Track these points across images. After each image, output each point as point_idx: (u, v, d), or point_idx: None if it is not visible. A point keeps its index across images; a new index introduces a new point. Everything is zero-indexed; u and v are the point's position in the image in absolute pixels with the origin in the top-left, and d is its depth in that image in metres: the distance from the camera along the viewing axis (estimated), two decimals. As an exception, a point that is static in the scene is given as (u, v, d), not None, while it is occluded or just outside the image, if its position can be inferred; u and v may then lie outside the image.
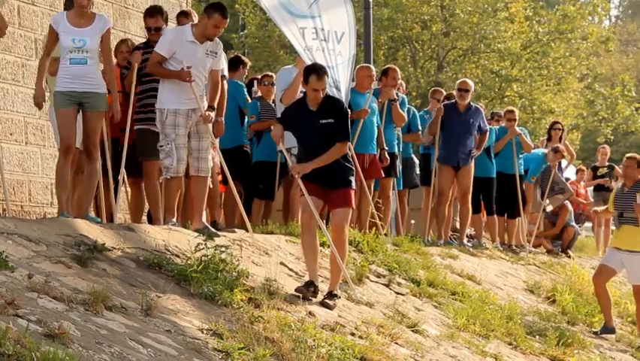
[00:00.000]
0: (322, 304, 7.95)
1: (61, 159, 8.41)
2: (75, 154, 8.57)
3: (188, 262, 7.40)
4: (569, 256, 15.67)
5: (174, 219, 8.84)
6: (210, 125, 8.83)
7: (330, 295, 8.07)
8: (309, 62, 10.55)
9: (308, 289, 7.98)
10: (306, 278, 8.30)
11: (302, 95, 8.40)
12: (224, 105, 9.21)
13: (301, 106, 8.16)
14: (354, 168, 8.39)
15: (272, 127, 8.45)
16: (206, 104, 8.79)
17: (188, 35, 8.69)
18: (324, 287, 8.35)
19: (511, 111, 14.78)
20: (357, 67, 11.82)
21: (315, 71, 7.96)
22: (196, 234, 8.39)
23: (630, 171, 11.20)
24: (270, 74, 11.96)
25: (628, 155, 11.47)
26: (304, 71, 8.16)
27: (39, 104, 8.56)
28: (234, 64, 11.26)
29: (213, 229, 8.66)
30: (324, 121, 7.99)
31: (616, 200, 11.31)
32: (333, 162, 7.99)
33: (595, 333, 11.13)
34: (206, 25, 8.66)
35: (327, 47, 10.88)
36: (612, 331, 11.29)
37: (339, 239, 8.19)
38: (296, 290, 7.92)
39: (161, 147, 8.68)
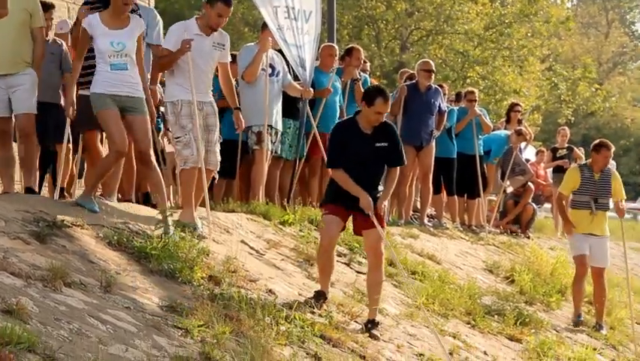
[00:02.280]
0: (371, 336, 7.66)
1: (113, 159, 8.04)
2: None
3: (149, 239, 7.38)
4: (529, 237, 15.81)
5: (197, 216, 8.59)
6: (217, 119, 8.68)
7: (373, 323, 7.80)
8: (280, 42, 10.61)
9: (318, 300, 7.76)
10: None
11: (353, 115, 8.01)
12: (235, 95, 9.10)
13: (353, 127, 7.85)
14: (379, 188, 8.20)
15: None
16: (211, 98, 8.66)
17: (194, 28, 8.52)
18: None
19: (472, 92, 14.86)
20: (321, 46, 11.82)
21: (381, 94, 7.68)
22: (156, 211, 8.37)
23: (607, 160, 11.08)
24: (235, 52, 11.90)
25: (601, 143, 11.03)
26: (367, 93, 7.84)
27: (70, 114, 8.21)
28: None
29: (197, 223, 8.38)
30: (379, 145, 7.78)
31: (587, 186, 10.96)
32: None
33: (576, 324, 11.09)
34: (210, 16, 8.49)
35: (296, 25, 10.88)
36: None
37: (378, 263, 7.92)
38: (306, 302, 7.66)
39: (177, 138, 8.48)
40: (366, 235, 7.95)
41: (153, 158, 8.08)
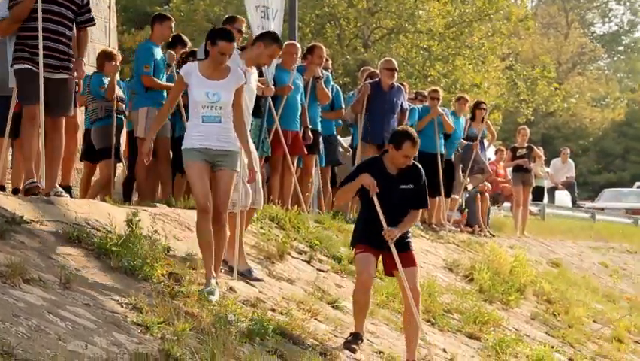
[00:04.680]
0: None
1: (200, 218, 7.50)
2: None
3: (109, 235, 7.35)
4: (492, 235, 15.85)
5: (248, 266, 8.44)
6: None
7: None
8: None
9: (357, 343, 7.65)
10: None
11: (379, 155, 7.96)
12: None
13: (378, 167, 7.78)
14: (410, 230, 8.11)
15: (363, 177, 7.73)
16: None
17: (240, 64, 8.22)
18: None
19: (435, 90, 14.91)
20: (283, 44, 11.81)
21: (410, 138, 7.62)
22: (115, 207, 8.32)
23: None
24: (197, 49, 11.87)
25: None
26: (395, 136, 7.75)
27: (146, 154, 7.85)
28: (173, 42, 11.22)
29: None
30: (404, 186, 7.74)
31: None
32: (379, 217, 7.62)
33: None
34: (261, 54, 8.33)
35: (267, 24, 10.92)
36: None
37: (417, 301, 7.74)
38: (346, 348, 7.54)
39: None
40: (397, 275, 7.84)
41: (226, 216, 7.63)
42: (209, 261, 7.39)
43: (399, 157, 7.70)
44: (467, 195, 16.21)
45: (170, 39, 11.03)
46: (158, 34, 10.62)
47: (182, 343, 5.87)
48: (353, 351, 7.55)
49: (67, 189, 9.01)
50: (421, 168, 7.95)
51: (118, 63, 11.16)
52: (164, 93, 10.50)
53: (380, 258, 7.94)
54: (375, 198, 7.61)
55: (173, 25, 10.79)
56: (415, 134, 7.76)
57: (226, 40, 7.47)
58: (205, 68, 7.54)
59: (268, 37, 8.48)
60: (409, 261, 7.77)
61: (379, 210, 7.62)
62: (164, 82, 10.49)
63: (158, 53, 10.53)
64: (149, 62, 10.36)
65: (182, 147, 7.57)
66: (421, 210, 8.05)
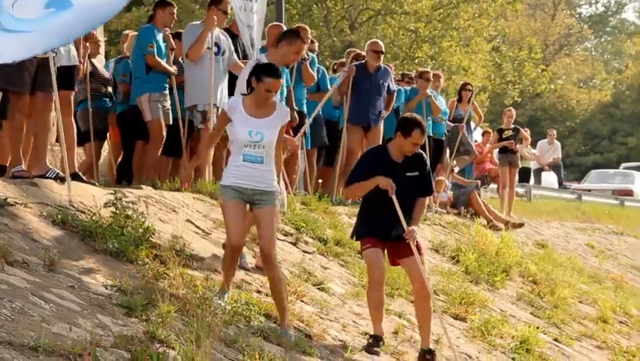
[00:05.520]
0: None
1: (229, 254, 7.22)
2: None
3: (94, 218, 7.33)
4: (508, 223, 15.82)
5: None
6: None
7: (431, 353, 7.69)
8: (238, 22, 10.57)
9: (378, 345, 7.61)
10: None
11: (384, 143, 7.95)
12: None
13: (384, 156, 7.76)
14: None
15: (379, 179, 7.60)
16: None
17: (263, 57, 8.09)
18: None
19: (426, 72, 14.85)
20: (269, 25, 11.78)
21: (419, 126, 7.59)
22: (100, 189, 8.30)
23: None
24: (182, 31, 11.83)
25: None
26: (403, 123, 7.71)
27: (186, 179, 7.85)
28: None
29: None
30: (409, 174, 7.71)
31: None
32: (397, 217, 7.54)
33: None
34: (287, 53, 8.18)
35: (249, 5, 10.86)
36: None
37: (425, 292, 7.74)
38: (368, 352, 7.49)
39: None
40: (405, 263, 7.80)
41: (275, 255, 7.20)
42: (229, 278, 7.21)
43: (408, 145, 7.66)
44: (462, 190, 16.17)
45: (172, 25, 11.01)
46: (160, 20, 10.63)
47: (167, 325, 5.87)
48: (377, 354, 7.51)
49: (75, 175, 8.79)
50: (425, 155, 7.94)
51: (95, 43, 11.08)
52: (166, 77, 10.51)
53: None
54: (394, 198, 7.54)
55: (175, 11, 10.78)
56: (423, 121, 7.75)
57: (273, 77, 7.03)
58: (249, 105, 7.12)
59: (290, 35, 8.38)
60: (417, 249, 7.74)
61: (399, 211, 7.55)
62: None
63: (161, 37, 10.54)
64: (152, 42, 10.36)
65: (221, 184, 7.29)
66: (427, 198, 8.02)
